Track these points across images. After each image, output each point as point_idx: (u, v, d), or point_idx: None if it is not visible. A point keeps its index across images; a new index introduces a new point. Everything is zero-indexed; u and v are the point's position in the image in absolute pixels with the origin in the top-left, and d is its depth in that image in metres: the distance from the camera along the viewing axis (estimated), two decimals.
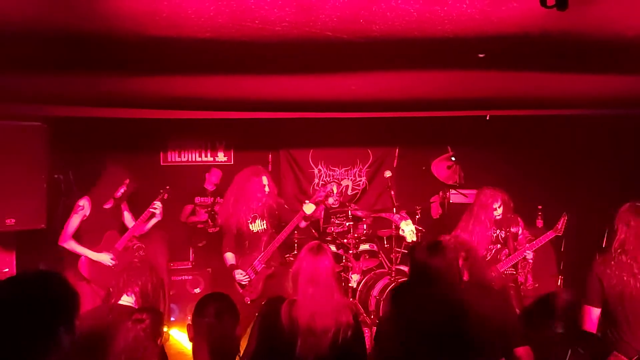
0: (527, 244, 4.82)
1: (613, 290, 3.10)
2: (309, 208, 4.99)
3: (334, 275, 2.97)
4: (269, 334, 2.95)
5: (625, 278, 3.08)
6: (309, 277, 2.91)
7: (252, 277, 4.98)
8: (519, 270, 4.98)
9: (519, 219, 4.98)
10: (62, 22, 2.72)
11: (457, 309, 2.45)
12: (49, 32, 2.86)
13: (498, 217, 4.82)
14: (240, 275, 4.94)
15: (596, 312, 3.16)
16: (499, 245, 4.90)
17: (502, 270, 4.82)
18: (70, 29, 2.80)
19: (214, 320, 2.38)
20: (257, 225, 5.05)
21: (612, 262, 3.14)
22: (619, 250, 3.16)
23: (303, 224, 5.23)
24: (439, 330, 2.07)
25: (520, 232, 4.93)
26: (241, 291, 5.00)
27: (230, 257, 5.01)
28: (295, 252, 6.14)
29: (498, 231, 4.88)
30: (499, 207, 4.81)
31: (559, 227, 4.83)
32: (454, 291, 2.61)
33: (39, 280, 1.75)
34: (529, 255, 4.77)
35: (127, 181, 5.19)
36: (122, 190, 5.17)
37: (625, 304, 3.07)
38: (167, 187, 5.51)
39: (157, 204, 5.27)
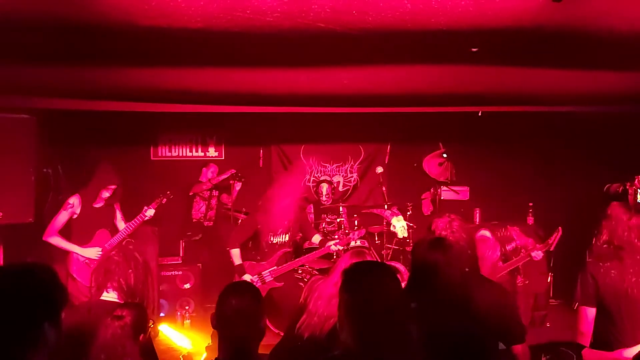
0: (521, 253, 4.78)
1: (608, 289, 3.05)
2: (335, 247, 5.17)
3: None
4: (297, 300, 3.08)
5: (620, 276, 3.04)
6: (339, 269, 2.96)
7: (258, 286, 4.99)
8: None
9: (512, 233, 4.90)
10: (48, 10, 2.67)
11: (461, 306, 2.41)
12: (35, 22, 2.80)
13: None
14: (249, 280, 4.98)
15: (592, 312, 3.09)
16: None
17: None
18: (57, 18, 2.75)
19: (238, 310, 2.18)
20: (279, 238, 5.09)
21: (607, 262, 3.09)
22: (612, 249, 3.11)
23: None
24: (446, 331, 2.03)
25: (515, 244, 4.85)
26: None
27: (237, 254, 5.01)
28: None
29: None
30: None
31: (551, 242, 4.77)
32: (456, 288, 2.55)
33: (25, 272, 1.68)
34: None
35: (115, 187, 5.07)
36: (107, 194, 5.05)
37: (620, 303, 3.03)
38: (168, 192, 5.42)
39: (151, 212, 5.18)
